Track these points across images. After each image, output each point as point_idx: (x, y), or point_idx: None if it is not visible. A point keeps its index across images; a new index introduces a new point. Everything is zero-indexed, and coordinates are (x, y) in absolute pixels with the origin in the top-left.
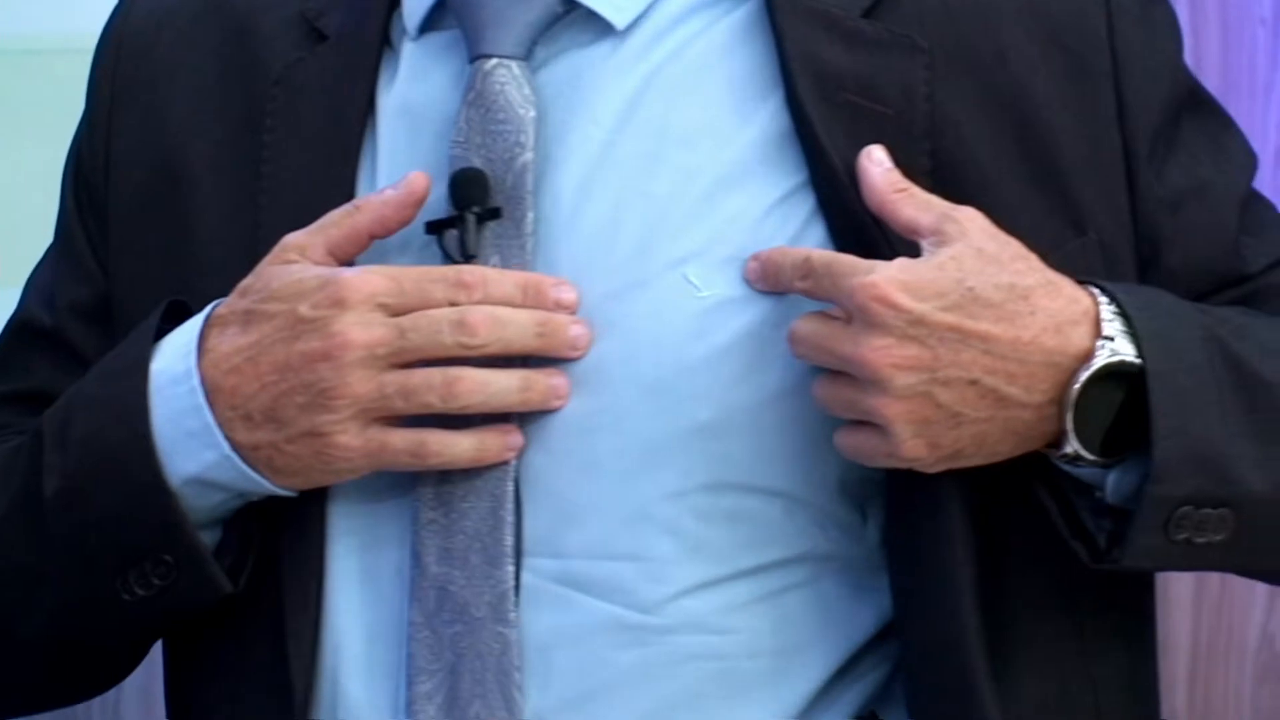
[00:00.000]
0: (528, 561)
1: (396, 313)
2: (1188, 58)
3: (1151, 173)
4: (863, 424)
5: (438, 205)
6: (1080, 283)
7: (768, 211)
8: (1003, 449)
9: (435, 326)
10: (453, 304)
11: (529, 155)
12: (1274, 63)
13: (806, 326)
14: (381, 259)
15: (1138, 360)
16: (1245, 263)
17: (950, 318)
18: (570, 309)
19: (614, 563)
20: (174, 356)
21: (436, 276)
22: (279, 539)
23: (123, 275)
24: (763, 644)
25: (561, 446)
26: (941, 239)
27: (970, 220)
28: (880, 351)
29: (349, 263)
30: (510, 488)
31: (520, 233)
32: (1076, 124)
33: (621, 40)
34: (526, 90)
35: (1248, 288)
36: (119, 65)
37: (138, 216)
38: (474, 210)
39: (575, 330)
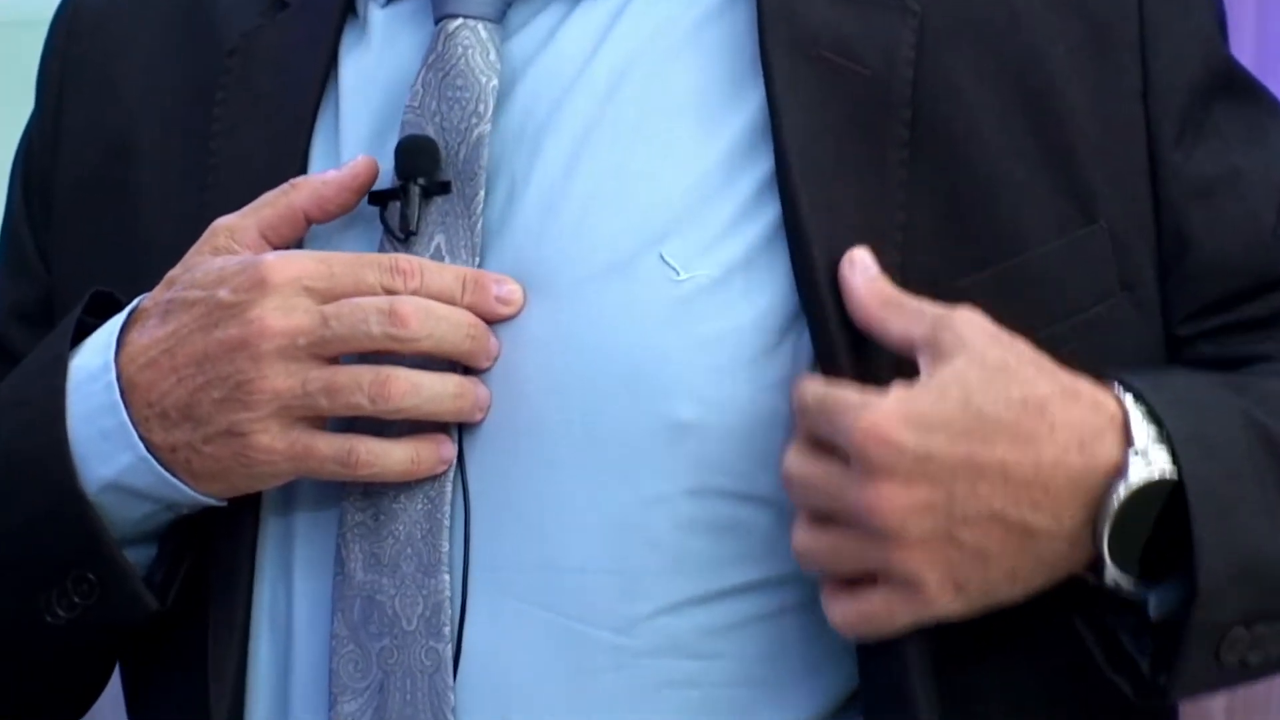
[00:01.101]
0: (477, 573)
1: (325, 299)
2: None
3: (1179, 157)
4: (865, 583)
5: (390, 176)
6: (1100, 379)
7: (759, 190)
8: (1037, 581)
9: (362, 315)
10: (389, 292)
11: (485, 127)
12: None
13: (801, 469)
14: (324, 234)
15: (1174, 474)
16: None
17: (961, 449)
18: (513, 308)
19: (584, 575)
20: (93, 351)
21: (370, 262)
22: (210, 553)
23: (66, 263)
24: (750, 672)
25: (521, 446)
26: (939, 352)
27: (968, 325)
28: (888, 498)
29: (287, 247)
30: (448, 489)
31: (469, 211)
32: (1094, 99)
33: (604, 4)
34: (492, 56)
35: None
36: (70, 43)
37: (86, 199)
38: (419, 182)
39: (493, 343)
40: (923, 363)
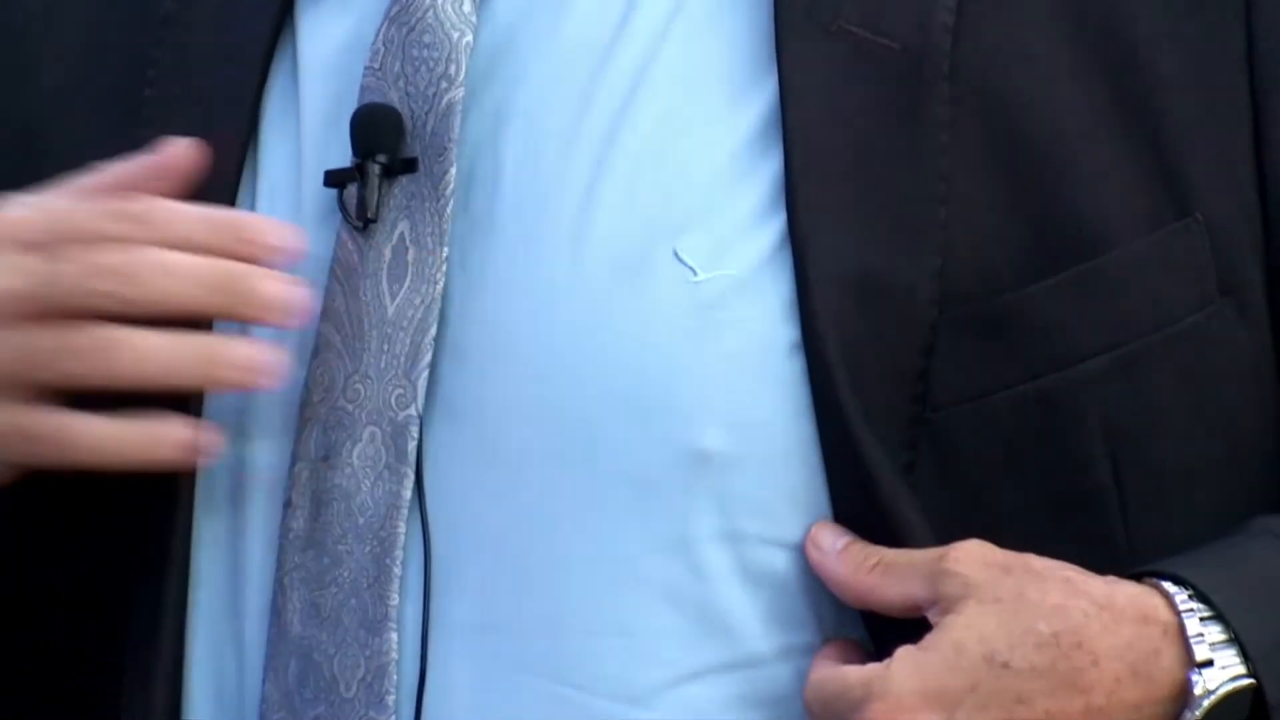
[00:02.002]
0: (448, 633)
1: (49, 255)
2: None
3: None
4: None
5: (345, 153)
6: (1139, 576)
7: (774, 178)
8: None
9: (83, 272)
10: (123, 241)
11: (457, 92)
12: None
13: None
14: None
15: (1250, 678)
16: None
17: (993, 714)
18: (278, 257)
19: (587, 637)
20: None
21: (98, 210)
22: (129, 584)
23: None
24: None
25: (505, 481)
26: (947, 604)
27: (968, 563)
28: None
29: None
30: (401, 530)
31: (438, 193)
32: (1189, 67)
33: None
34: (466, 7)
35: None
36: None
37: None
38: (379, 160)
39: (271, 289)
40: (932, 619)
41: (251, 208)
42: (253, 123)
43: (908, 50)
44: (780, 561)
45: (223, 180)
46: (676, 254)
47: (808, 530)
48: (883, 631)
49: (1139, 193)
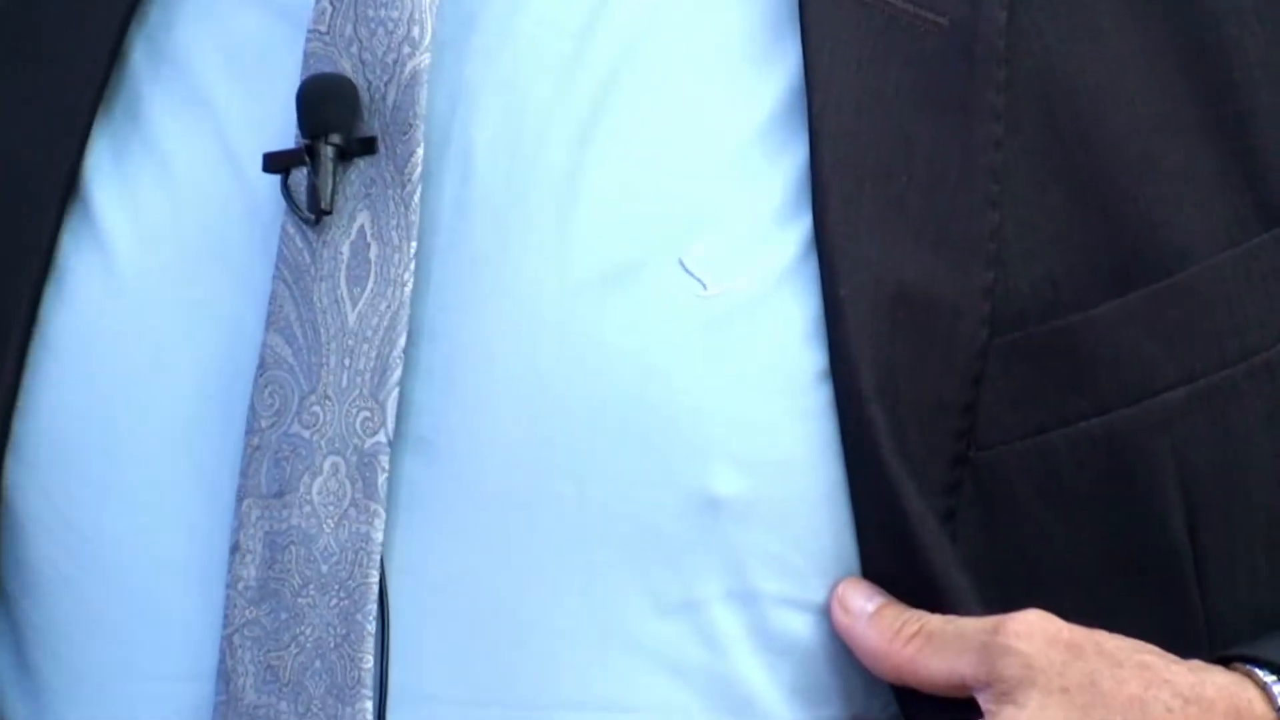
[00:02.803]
0: (414, 704)
1: None
2: None
3: None
4: None
5: (289, 132)
6: (1226, 660)
7: (804, 175)
8: None
9: None
10: None
11: (423, 58)
12: None
13: None
14: (201, 213)
15: None
16: None
17: None
18: None
19: (582, 714)
20: None
21: None
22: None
23: None
24: None
25: (482, 528)
26: (1004, 690)
27: (1029, 638)
28: None
29: None
30: (374, 578)
31: (403, 178)
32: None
33: None
34: None
35: None
36: None
37: None
38: (332, 141)
39: None
40: (984, 704)
41: (134, 197)
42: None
43: (956, 26)
44: (802, 627)
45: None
46: (682, 263)
47: (834, 590)
48: (920, 711)
49: (1222, 196)
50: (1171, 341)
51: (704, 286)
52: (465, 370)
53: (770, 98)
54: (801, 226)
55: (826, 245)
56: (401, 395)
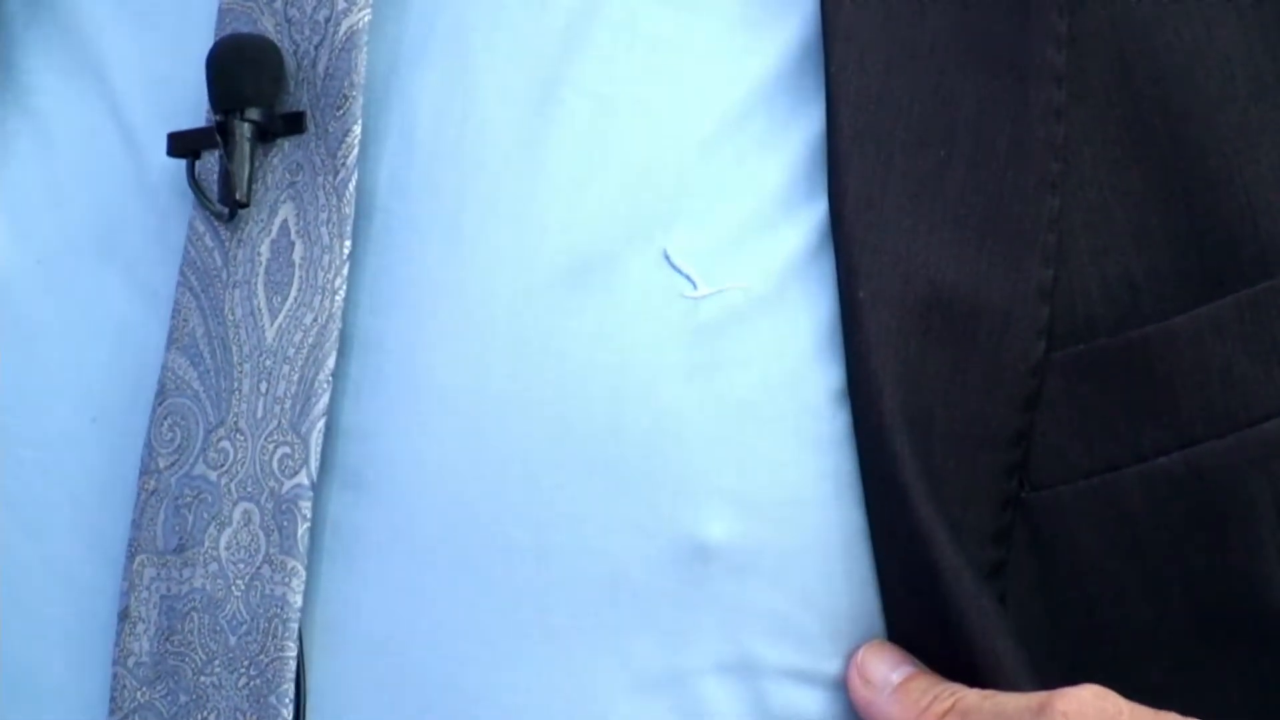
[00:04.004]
0: None
1: None
2: None
3: None
4: None
5: (200, 105)
6: None
7: (817, 146)
8: None
9: None
10: None
11: (361, 16)
12: None
13: None
14: (110, 207)
15: None
16: None
17: None
18: None
19: None
20: None
21: None
22: None
23: None
24: None
25: (426, 582)
26: None
27: (1082, 718)
28: None
29: None
30: (292, 652)
31: (336, 163)
32: None
33: None
34: None
35: None
36: None
37: None
38: (250, 118)
39: None
40: None
41: (5, 168)
42: None
43: None
44: (811, 703)
45: None
46: (666, 256)
47: (853, 657)
48: None
49: None
50: (1271, 360)
51: (693, 285)
52: (401, 388)
53: (777, 52)
54: (813, 212)
55: (844, 235)
56: (329, 428)
